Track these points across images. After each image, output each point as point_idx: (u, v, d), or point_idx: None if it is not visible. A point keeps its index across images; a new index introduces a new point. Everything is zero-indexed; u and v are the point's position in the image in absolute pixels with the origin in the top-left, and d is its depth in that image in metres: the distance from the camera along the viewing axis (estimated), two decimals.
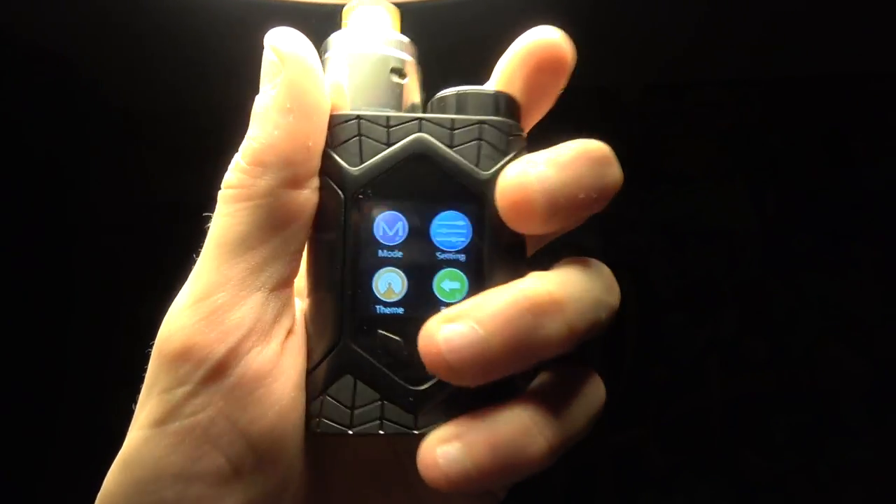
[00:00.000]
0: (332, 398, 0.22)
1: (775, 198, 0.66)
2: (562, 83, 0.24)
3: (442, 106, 0.24)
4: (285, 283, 0.22)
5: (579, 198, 0.22)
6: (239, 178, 0.21)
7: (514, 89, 0.24)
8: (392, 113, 0.23)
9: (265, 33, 0.23)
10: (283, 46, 0.21)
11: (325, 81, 0.22)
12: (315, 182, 0.22)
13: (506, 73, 0.24)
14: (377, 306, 0.22)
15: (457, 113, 0.23)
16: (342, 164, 0.22)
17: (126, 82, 0.60)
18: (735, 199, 0.66)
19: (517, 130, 0.24)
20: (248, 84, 0.24)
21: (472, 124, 0.23)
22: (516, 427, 0.21)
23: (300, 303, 0.24)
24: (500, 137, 0.23)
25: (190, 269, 0.21)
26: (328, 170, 0.22)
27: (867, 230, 0.64)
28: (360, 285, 0.22)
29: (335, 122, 0.23)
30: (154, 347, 0.21)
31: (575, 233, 0.27)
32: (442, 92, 0.24)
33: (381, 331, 0.22)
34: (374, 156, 0.22)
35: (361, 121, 0.23)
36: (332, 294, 0.22)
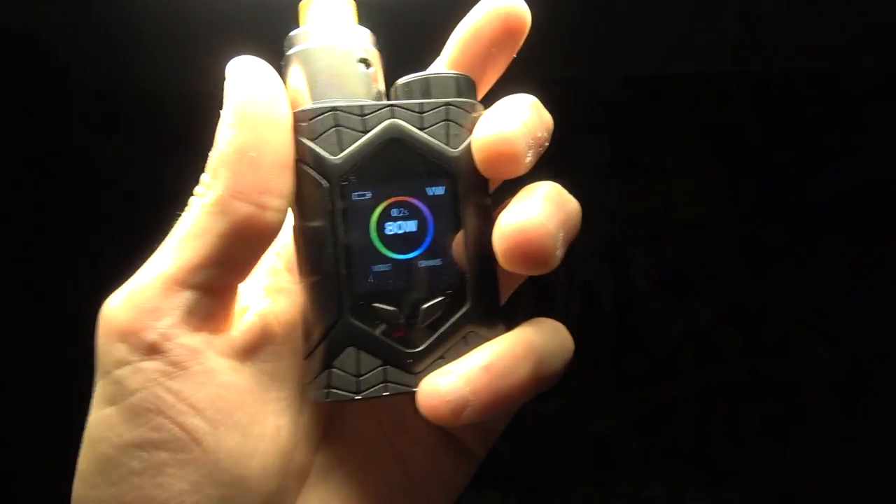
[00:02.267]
0: (339, 369, 0.24)
1: (751, 191, 0.66)
2: (516, 49, 0.26)
3: (407, 91, 0.25)
4: (222, 288, 0.23)
5: (538, 136, 0.24)
6: (200, 189, 0.23)
7: (470, 59, 0.26)
8: (365, 102, 0.25)
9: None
10: (232, 69, 0.24)
11: (276, 94, 0.24)
12: (265, 198, 0.23)
13: (462, 44, 0.26)
14: (371, 282, 0.24)
15: (422, 97, 0.25)
16: (324, 155, 0.24)
17: (102, 65, 0.59)
18: (712, 192, 0.67)
19: (478, 108, 0.25)
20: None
21: (439, 107, 0.25)
22: (506, 354, 0.24)
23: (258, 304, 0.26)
24: (465, 116, 0.25)
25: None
26: (311, 161, 0.24)
27: (840, 224, 0.65)
28: (354, 264, 0.24)
29: (311, 115, 0.24)
30: (99, 329, 0.23)
31: None
32: (404, 78, 0.26)
33: (375, 304, 0.24)
34: (352, 143, 0.24)
35: (337, 112, 0.24)
36: (327, 276, 0.24)
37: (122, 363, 0.22)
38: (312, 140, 0.24)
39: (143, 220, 0.25)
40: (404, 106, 0.25)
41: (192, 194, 0.24)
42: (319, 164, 0.24)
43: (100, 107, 0.62)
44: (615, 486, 0.65)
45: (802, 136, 0.66)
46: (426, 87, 0.25)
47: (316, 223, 0.24)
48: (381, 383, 0.24)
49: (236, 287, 0.24)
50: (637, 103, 0.67)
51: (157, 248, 0.24)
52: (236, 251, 0.23)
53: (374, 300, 0.24)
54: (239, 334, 0.24)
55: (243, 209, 0.23)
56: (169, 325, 0.22)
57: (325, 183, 0.24)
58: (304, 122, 0.24)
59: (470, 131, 0.25)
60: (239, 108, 0.23)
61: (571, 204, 0.25)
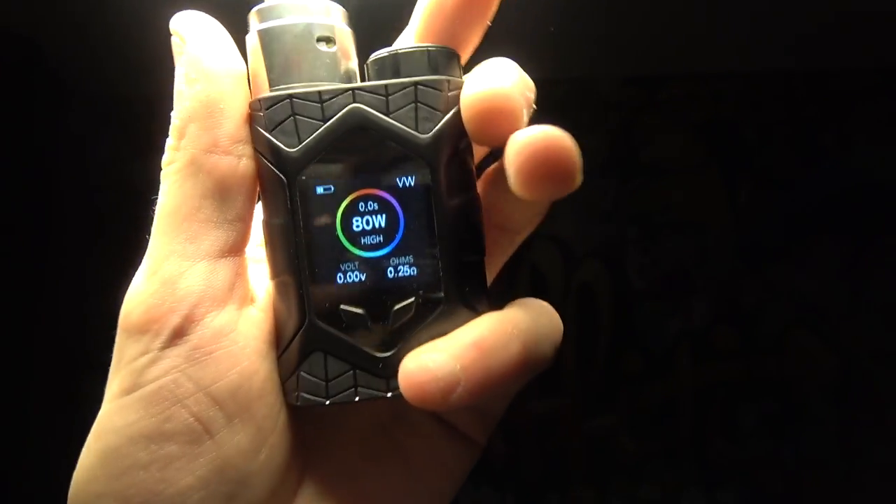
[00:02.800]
0: (307, 374, 0.23)
1: (747, 191, 0.67)
2: (489, 15, 0.24)
3: (377, 69, 0.23)
4: (230, 250, 0.22)
5: (528, 96, 0.22)
6: (167, 155, 0.22)
7: (437, 29, 0.24)
8: (324, 87, 0.22)
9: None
10: (181, 26, 0.23)
11: (229, 46, 0.23)
12: (239, 148, 0.22)
13: (428, 13, 0.24)
14: (338, 281, 0.23)
15: (393, 75, 0.23)
16: (280, 147, 0.22)
17: (95, 66, 0.59)
18: (708, 191, 0.67)
19: (455, 85, 0.23)
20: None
21: (407, 87, 0.23)
22: (495, 330, 0.22)
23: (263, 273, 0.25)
24: (437, 96, 0.23)
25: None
26: (268, 154, 0.22)
27: (835, 223, 0.66)
28: (318, 263, 0.22)
29: (267, 105, 0.22)
30: (119, 324, 0.22)
31: (552, 225, 0.28)
32: (375, 54, 0.23)
33: (342, 305, 0.22)
34: (311, 134, 0.22)
35: (294, 100, 0.22)
36: (291, 276, 0.23)
37: (142, 353, 0.21)
38: (269, 131, 0.22)
39: (139, 220, 0.24)
40: (367, 89, 0.22)
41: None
42: (277, 157, 0.22)
43: (93, 109, 0.62)
44: (612, 485, 0.65)
45: (797, 136, 0.66)
46: (395, 65, 0.23)
47: (278, 220, 0.23)
48: (351, 388, 0.23)
49: (243, 252, 0.23)
50: (633, 103, 0.67)
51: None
52: (229, 207, 0.22)
53: (342, 302, 0.23)
54: (262, 312, 0.23)
55: (222, 161, 0.22)
56: (193, 303, 0.21)
57: (283, 177, 0.22)
58: (261, 112, 0.22)
59: (444, 113, 0.23)
60: (199, 61, 0.22)
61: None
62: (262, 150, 0.22)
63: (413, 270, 0.23)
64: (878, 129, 0.65)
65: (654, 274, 0.66)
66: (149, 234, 0.22)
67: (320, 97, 0.22)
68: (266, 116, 0.22)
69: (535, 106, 0.23)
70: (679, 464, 0.65)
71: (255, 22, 0.23)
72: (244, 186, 0.22)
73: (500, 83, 0.22)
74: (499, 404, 0.26)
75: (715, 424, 0.65)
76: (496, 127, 0.22)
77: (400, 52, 0.23)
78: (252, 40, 0.23)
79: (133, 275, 0.22)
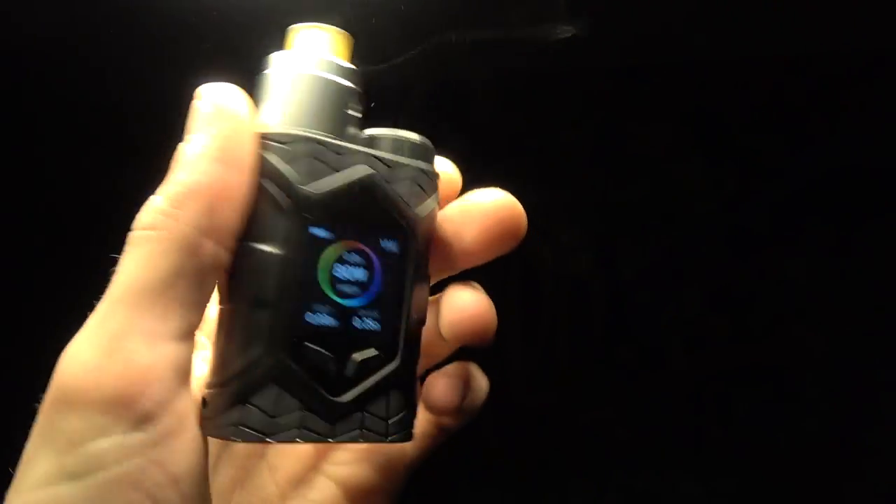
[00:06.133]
0: (256, 406, 0.22)
1: (735, 178, 0.67)
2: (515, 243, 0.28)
3: (375, 144, 0.25)
4: (191, 333, 0.22)
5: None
6: (157, 220, 0.21)
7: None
8: (343, 143, 0.24)
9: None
10: (218, 99, 0.22)
11: (251, 133, 0.22)
12: (230, 242, 0.22)
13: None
14: (307, 320, 0.23)
15: (393, 153, 0.25)
16: (290, 180, 0.23)
17: (78, 74, 0.58)
18: (695, 178, 0.67)
19: (436, 178, 0.27)
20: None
21: (409, 167, 0.25)
22: (474, 368, 0.28)
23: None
24: (429, 183, 0.26)
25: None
26: (277, 181, 0.23)
27: (825, 209, 0.66)
28: (294, 297, 0.23)
29: (288, 140, 0.23)
30: (56, 398, 0.20)
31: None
32: (375, 131, 0.26)
33: (308, 343, 0.23)
34: (322, 178, 0.23)
35: (317, 143, 0.23)
36: (263, 305, 0.22)
37: (102, 434, 0.19)
38: (285, 162, 0.23)
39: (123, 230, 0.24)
40: (379, 157, 0.25)
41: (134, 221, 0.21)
42: (287, 187, 0.23)
43: (74, 116, 0.61)
44: (609, 477, 0.65)
45: (783, 122, 0.66)
46: (400, 146, 0.26)
47: (265, 247, 0.23)
48: (296, 428, 0.23)
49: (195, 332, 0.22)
50: (617, 94, 0.67)
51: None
52: (199, 291, 0.21)
53: (308, 340, 0.23)
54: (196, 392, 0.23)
55: (211, 249, 0.21)
56: (164, 389, 0.20)
57: (287, 209, 0.23)
58: (280, 144, 0.23)
59: (428, 195, 0.26)
60: (225, 143, 0.21)
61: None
62: (270, 178, 0.23)
63: (377, 325, 0.25)
64: (863, 113, 0.65)
65: (644, 264, 0.66)
66: (96, 300, 0.21)
67: (339, 149, 0.24)
68: (283, 149, 0.23)
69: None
70: (675, 454, 0.65)
71: (289, 63, 0.24)
72: (217, 277, 0.22)
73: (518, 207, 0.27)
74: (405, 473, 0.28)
75: (709, 413, 0.65)
76: (508, 242, 0.27)
77: (407, 137, 0.26)
78: (280, 78, 0.24)
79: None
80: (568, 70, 0.66)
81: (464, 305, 0.25)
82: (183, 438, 0.21)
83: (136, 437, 0.19)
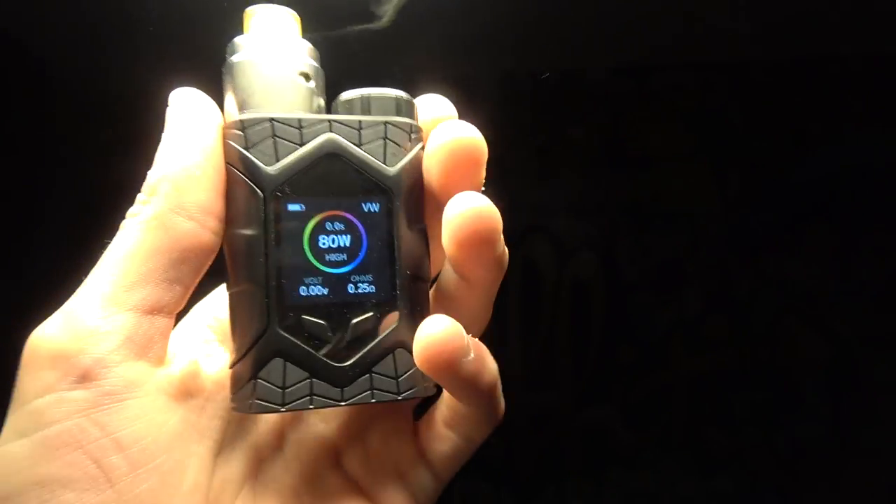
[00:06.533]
0: (264, 380, 0.24)
1: (737, 179, 0.67)
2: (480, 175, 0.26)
3: (347, 107, 0.26)
4: (161, 309, 0.23)
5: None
6: (134, 208, 0.23)
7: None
8: (303, 115, 0.25)
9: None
10: (176, 99, 0.24)
11: (215, 125, 0.24)
12: (205, 219, 0.23)
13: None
14: (301, 293, 0.24)
15: (362, 114, 0.25)
16: (258, 164, 0.24)
17: (79, 62, 0.58)
18: (698, 181, 0.67)
19: (416, 129, 0.26)
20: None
21: (378, 124, 0.25)
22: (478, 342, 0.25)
23: (191, 336, 0.26)
24: (403, 136, 0.25)
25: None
26: (244, 169, 0.24)
27: (826, 211, 0.66)
28: (285, 275, 0.24)
29: (249, 125, 0.24)
30: (21, 363, 0.21)
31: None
32: (346, 94, 0.26)
33: (305, 316, 0.24)
34: (288, 155, 0.24)
35: (275, 122, 0.24)
36: (257, 285, 0.24)
37: (46, 391, 0.20)
38: (247, 149, 0.24)
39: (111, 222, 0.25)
40: (343, 122, 0.25)
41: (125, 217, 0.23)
42: (254, 173, 0.24)
43: (74, 107, 0.61)
44: (607, 477, 0.65)
45: (786, 124, 0.67)
46: (366, 104, 0.25)
47: (248, 231, 0.24)
48: (307, 396, 0.24)
49: (174, 315, 0.24)
50: (621, 94, 0.67)
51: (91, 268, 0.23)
52: (176, 269, 0.23)
53: (304, 312, 0.24)
54: (177, 372, 0.24)
55: (184, 224, 0.23)
56: (108, 349, 0.21)
57: (259, 192, 0.24)
58: (240, 131, 0.24)
59: (407, 151, 0.25)
60: (185, 131, 0.23)
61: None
62: (238, 166, 0.24)
63: (372, 288, 0.25)
64: (867, 115, 0.65)
65: (645, 265, 0.66)
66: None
67: (300, 123, 0.24)
68: (246, 135, 0.24)
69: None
70: (674, 454, 0.65)
71: (237, 50, 0.25)
72: (197, 255, 0.23)
73: (474, 133, 0.24)
74: (431, 482, 0.27)
75: (709, 413, 0.65)
76: (463, 171, 0.24)
77: (372, 94, 0.26)
78: (234, 67, 0.25)
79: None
80: (570, 70, 0.66)
81: (454, 206, 0.23)
82: (129, 405, 0.21)
83: (77, 395, 0.20)
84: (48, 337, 0.21)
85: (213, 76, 0.27)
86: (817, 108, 0.66)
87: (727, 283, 0.66)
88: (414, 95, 0.27)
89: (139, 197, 0.23)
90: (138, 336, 0.22)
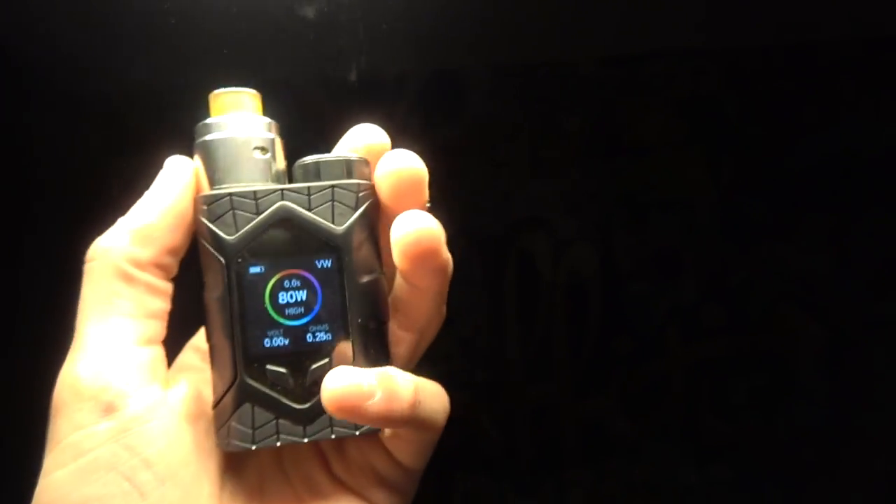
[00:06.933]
0: (237, 423, 0.27)
1: (731, 166, 0.67)
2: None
3: (302, 172, 0.29)
4: (150, 340, 0.27)
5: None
6: (95, 253, 0.26)
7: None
8: (259, 187, 0.28)
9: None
10: (170, 169, 0.28)
11: (190, 186, 0.28)
12: (157, 272, 0.27)
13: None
14: (265, 345, 0.27)
15: (314, 179, 0.28)
16: (220, 235, 0.27)
17: (70, 63, 0.58)
18: (692, 168, 0.67)
19: (365, 188, 0.29)
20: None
21: (325, 189, 0.28)
22: (398, 371, 0.27)
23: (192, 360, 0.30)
24: (350, 196, 0.28)
25: None
26: (210, 240, 0.27)
27: (821, 196, 0.66)
28: (248, 331, 0.27)
29: (211, 201, 0.27)
30: (51, 413, 0.25)
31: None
32: (301, 161, 0.29)
33: (268, 365, 0.27)
34: (246, 225, 0.27)
35: (233, 197, 0.27)
36: (226, 341, 0.27)
37: (77, 428, 0.24)
38: (212, 222, 0.27)
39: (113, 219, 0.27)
40: (294, 189, 0.28)
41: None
42: (217, 242, 0.27)
43: (66, 107, 0.61)
44: (606, 466, 0.65)
45: (780, 110, 0.66)
46: (317, 170, 0.28)
47: (216, 294, 0.27)
48: (274, 435, 0.27)
49: (160, 341, 0.27)
50: (613, 83, 0.67)
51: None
52: (149, 309, 0.26)
53: (268, 362, 0.27)
54: (183, 395, 0.27)
55: (144, 279, 0.26)
56: (124, 381, 0.25)
57: (222, 259, 0.27)
58: (205, 206, 0.27)
59: (355, 210, 0.28)
60: (161, 197, 0.27)
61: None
62: (205, 238, 0.28)
63: (329, 336, 0.28)
64: (860, 101, 0.65)
65: (641, 254, 0.66)
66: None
67: (255, 195, 0.27)
68: (209, 210, 0.27)
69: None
70: (672, 442, 0.65)
71: (202, 133, 0.29)
72: (162, 296, 0.27)
73: (414, 161, 0.27)
74: (405, 478, 0.31)
75: (706, 401, 0.66)
76: (407, 193, 0.27)
77: (321, 160, 0.28)
78: (199, 148, 0.29)
79: None
80: (562, 60, 0.66)
81: (399, 227, 0.27)
82: (151, 426, 0.25)
83: (106, 426, 0.24)
84: (67, 383, 0.24)
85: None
86: (811, 94, 0.66)
87: (723, 271, 0.66)
88: (407, 88, 0.29)
89: (98, 241, 0.27)
90: (142, 366, 0.25)
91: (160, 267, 0.27)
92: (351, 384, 0.25)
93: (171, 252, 0.27)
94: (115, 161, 0.62)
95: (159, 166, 0.29)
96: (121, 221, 0.27)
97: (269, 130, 0.30)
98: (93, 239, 0.27)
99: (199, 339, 0.31)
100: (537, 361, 0.65)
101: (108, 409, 0.24)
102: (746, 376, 0.66)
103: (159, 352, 0.27)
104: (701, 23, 0.61)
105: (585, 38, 0.63)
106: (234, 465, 0.29)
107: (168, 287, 0.28)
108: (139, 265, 0.26)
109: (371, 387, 0.25)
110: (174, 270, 0.28)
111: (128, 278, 0.26)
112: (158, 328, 0.27)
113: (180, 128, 0.31)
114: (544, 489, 0.65)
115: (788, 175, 0.66)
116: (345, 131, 0.31)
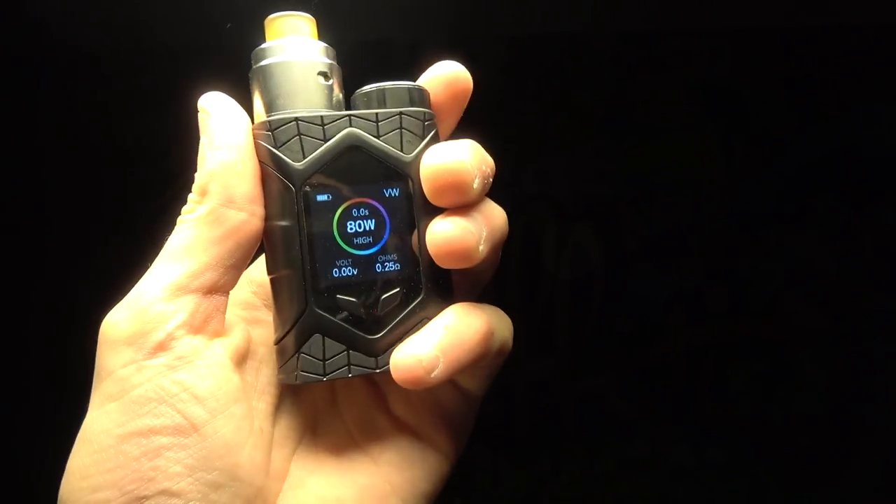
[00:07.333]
0: (306, 354, 0.27)
1: (743, 150, 0.66)
2: (462, 110, 0.30)
3: (365, 101, 0.28)
4: (219, 289, 0.26)
5: (484, 169, 0.27)
6: (188, 206, 0.26)
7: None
8: (325, 112, 0.27)
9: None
10: (206, 104, 0.27)
11: (244, 122, 0.27)
12: (252, 207, 0.27)
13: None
14: (334, 275, 0.27)
15: (378, 107, 0.28)
16: (287, 161, 0.27)
17: (78, 18, 0.57)
18: (703, 151, 0.66)
19: (430, 117, 0.28)
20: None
21: (394, 116, 0.28)
22: (464, 314, 0.27)
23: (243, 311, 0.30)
24: (417, 125, 0.28)
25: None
26: (275, 167, 0.27)
27: (831, 184, 0.65)
28: (318, 260, 0.27)
29: (276, 126, 0.27)
30: (98, 346, 0.25)
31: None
32: (363, 88, 0.28)
33: (339, 295, 0.27)
34: (314, 151, 0.27)
35: (299, 122, 0.27)
36: (295, 270, 0.27)
37: (127, 363, 0.24)
38: (277, 147, 0.27)
39: (138, 182, 0.27)
40: (361, 115, 0.27)
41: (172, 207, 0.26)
42: (284, 169, 0.27)
43: (82, 64, 0.60)
44: (602, 444, 0.66)
45: (794, 94, 0.66)
46: (382, 97, 0.28)
47: (283, 223, 0.27)
48: (345, 366, 0.27)
49: (228, 293, 0.27)
50: (628, 60, 0.66)
51: (150, 203, 0.26)
52: (231, 255, 0.26)
53: (338, 292, 0.27)
54: (232, 340, 0.27)
55: (236, 216, 0.26)
56: (175, 326, 0.25)
57: (291, 186, 0.27)
58: (269, 132, 0.27)
59: (422, 139, 0.28)
60: (220, 132, 0.26)
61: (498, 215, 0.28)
62: (270, 164, 0.27)
63: (397, 266, 0.28)
64: (876, 88, 0.64)
65: (647, 235, 0.66)
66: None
67: (322, 120, 0.27)
68: (274, 135, 0.27)
69: (490, 180, 0.28)
70: (669, 423, 0.66)
71: (262, 57, 0.28)
72: (248, 241, 0.27)
73: (455, 156, 0.26)
74: (467, 407, 0.31)
75: (706, 385, 0.66)
76: (449, 198, 0.27)
77: (386, 87, 0.28)
78: (259, 72, 0.28)
79: (133, 242, 0.27)
80: (576, 34, 0.65)
81: (435, 234, 0.27)
82: (199, 365, 0.25)
83: (154, 362, 0.24)
84: (119, 322, 0.25)
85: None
86: (826, 78, 0.65)
87: (729, 256, 0.66)
88: (423, 60, 0.29)
89: (191, 196, 0.26)
90: (199, 314, 0.25)
91: (249, 203, 0.27)
92: (411, 364, 0.26)
93: (252, 199, 0.27)
94: (124, 121, 0.61)
95: (171, 127, 0.28)
96: (197, 174, 0.27)
97: (330, 56, 0.29)
98: (101, 199, 0.27)
99: (248, 276, 0.31)
100: (538, 337, 0.65)
101: (158, 348, 0.24)
102: (746, 362, 0.66)
103: (223, 301, 0.27)
104: (720, 3, 0.61)
105: (601, 14, 0.62)
106: (287, 403, 0.30)
107: (258, 229, 0.27)
108: (236, 205, 0.26)
109: (432, 359, 0.26)
110: (257, 222, 0.27)
111: (221, 221, 0.26)
112: (233, 278, 0.27)
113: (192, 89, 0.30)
114: (538, 462, 0.65)
115: (799, 163, 0.66)
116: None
